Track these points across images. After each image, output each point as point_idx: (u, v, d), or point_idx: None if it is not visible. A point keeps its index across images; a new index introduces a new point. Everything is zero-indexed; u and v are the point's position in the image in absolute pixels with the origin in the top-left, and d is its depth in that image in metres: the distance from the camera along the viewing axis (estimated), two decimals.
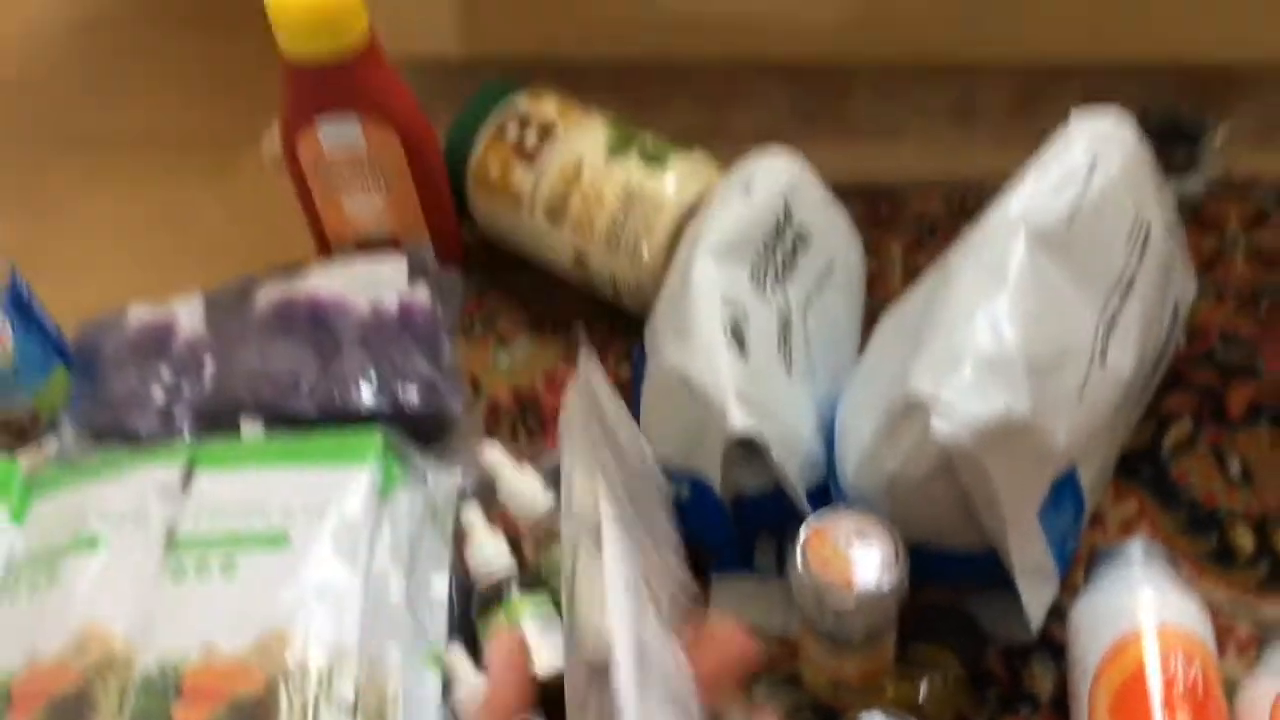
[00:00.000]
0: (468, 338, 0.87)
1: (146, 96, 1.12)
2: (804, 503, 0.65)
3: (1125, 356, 0.65)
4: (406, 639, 0.64)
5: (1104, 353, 0.64)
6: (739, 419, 0.62)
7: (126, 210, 1.01)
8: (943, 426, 0.57)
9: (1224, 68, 0.94)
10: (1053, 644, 0.67)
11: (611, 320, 0.86)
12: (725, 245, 0.70)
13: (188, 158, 1.05)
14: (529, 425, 0.81)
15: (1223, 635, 0.65)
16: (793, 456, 0.65)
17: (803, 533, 0.61)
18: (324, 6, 0.76)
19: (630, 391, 0.73)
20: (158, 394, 0.77)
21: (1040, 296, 0.62)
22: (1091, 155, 0.66)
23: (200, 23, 1.17)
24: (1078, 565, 0.67)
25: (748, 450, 0.66)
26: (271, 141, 1.05)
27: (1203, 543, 0.70)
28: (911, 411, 0.59)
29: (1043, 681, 0.66)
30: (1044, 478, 0.60)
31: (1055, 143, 0.68)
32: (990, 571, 0.64)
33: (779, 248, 0.74)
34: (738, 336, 0.66)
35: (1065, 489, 0.62)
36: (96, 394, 0.78)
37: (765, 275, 0.72)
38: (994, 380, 0.59)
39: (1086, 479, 0.64)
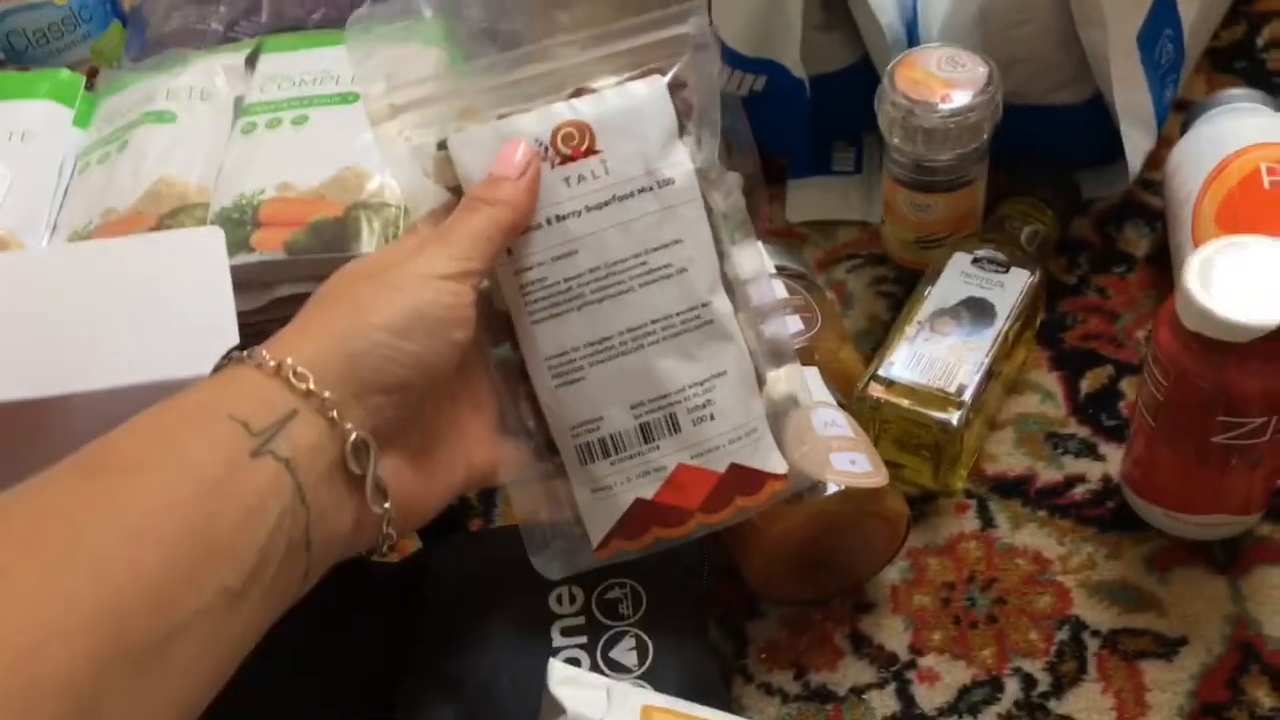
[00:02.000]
0: None
1: None
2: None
3: None
4: None
5: None
6: None
7: None
8: None
9: None
10: (1147, 209, 0.65)
11: None
12: None
13: None
14: None
15: None
16: (877, 14, 0.62)
17: (891, 63, 0.59)
18: None
19: None
20: (215, 28, 0.75)
21: None
22: None
23: None
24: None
25: (828, 18, 0.64)
26: None
27: None
28: None
29: (1137, 243, 0.64)
30: None
31: None
32: (1088, 131, 0.62)
33: None
34: None
35: (1165, 12, 0.59)
36: (153, 37, 0.77)
37: None
38: None
39: (1185, 16, 0.61)
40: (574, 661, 0.46)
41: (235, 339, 0.47)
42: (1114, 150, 0.61)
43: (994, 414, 0.59)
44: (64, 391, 0.48)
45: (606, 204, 0.43)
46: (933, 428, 0.54)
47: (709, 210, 0.45)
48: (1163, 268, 0.62)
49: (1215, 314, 0.45)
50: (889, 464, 0.51)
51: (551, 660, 0.42)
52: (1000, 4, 0.58)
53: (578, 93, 0.44)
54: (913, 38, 0.65)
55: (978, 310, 0.57)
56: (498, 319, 0.45)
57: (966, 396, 0.54)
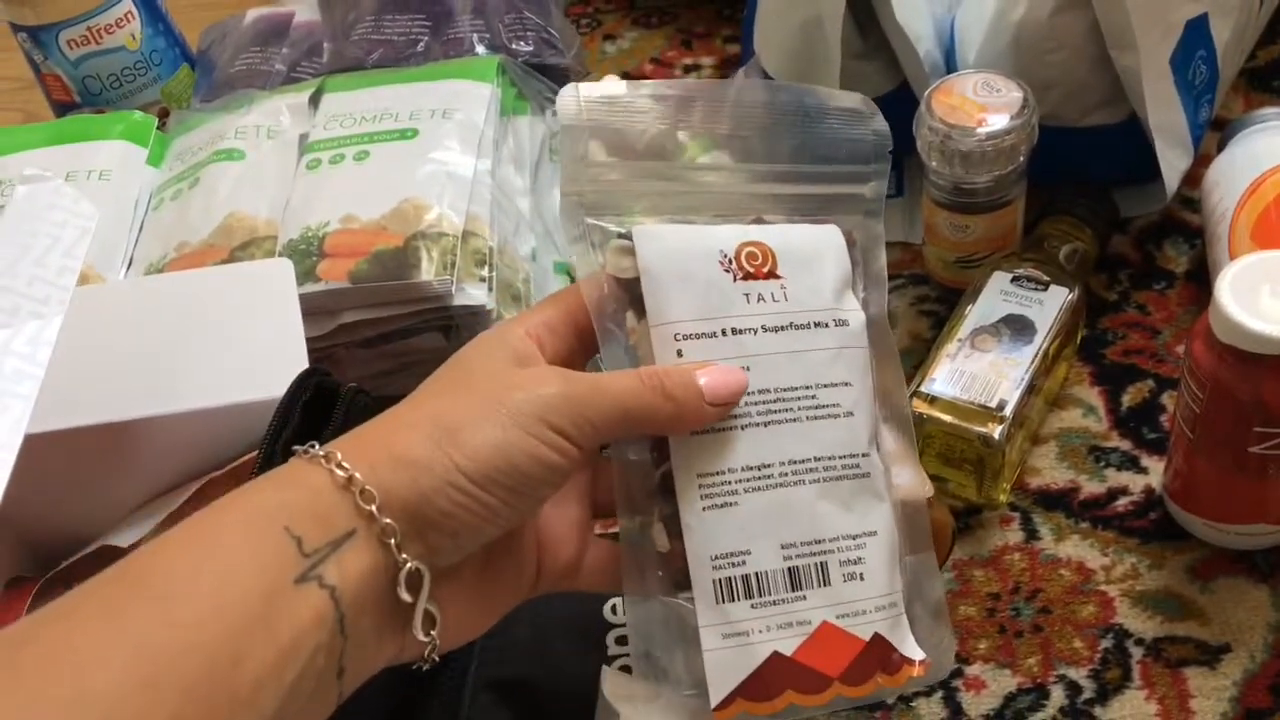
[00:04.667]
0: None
1: None
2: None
3: None
4: (535, 243, 0.65)
5: None
6: None
7: None
8: None
9: None
10: (1186, 226, 0.66)
11: (716, 7, 0.86)
12: None
13: None
14: None
15: None
16: (915, 42, 0.64)
17: (929, 89, 0.60)
18: None
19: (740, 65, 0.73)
20: (279, 69, 0.79)
21: None
22: None
23: None
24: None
25: (866, 46, 0.66)
26: None
27: None
28: None
29: (1177, 259, 0.65)
30: (1176, 12, 0.59)
31: None
32: (1125, 150, 0.63)
33: None
34: None
35: (1197, 35, 0.60)
36: (220, 79, 0.80)
37: None
38: None
39: (1218, 38, 0.62)
40: (627, 669, 0.47)
41: (305, 363, 0.50)
42: (1152, 168, 0.62)
43: (1036, 428, 0.60)
44: (144, 415, 0.51)
45: (783, 329, 0.41)
46: (975, 442, 0.55)
47: (871, 366, 0.43)
48: (1202, 284, 0.63)
49: (1249, 327, 0.46)
50: (933, 478, 0.52)
51: (605, 668, 0.43)
52: (1034, 30, 0.60)
53: (756, 220, 0.43)
54: (950, 64, 0.67)
55: (1018, 327, 0.58)
56: None
57: (1008, 411, 0.55)
